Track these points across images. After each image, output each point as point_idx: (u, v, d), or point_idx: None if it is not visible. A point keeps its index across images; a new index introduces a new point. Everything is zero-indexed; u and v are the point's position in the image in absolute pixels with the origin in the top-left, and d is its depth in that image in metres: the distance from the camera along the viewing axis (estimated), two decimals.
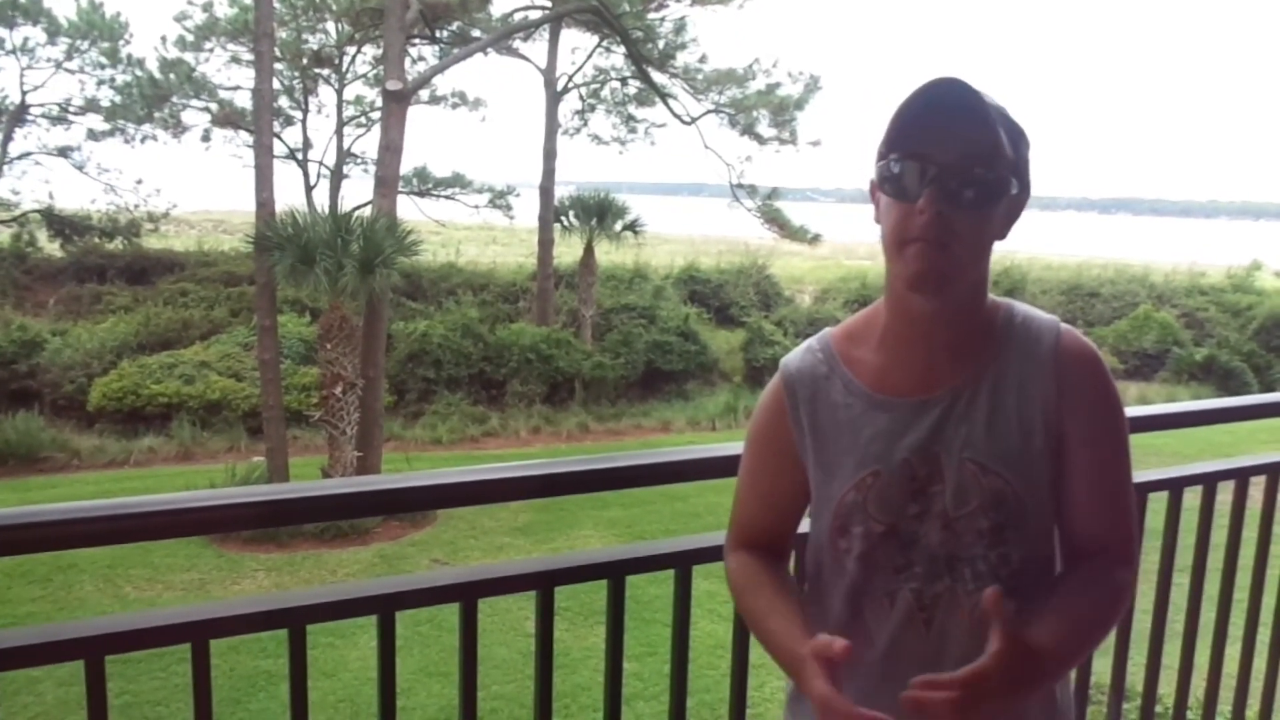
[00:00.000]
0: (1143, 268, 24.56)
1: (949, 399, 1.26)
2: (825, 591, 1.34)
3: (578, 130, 22.82)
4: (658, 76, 20.13)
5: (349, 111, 22.15)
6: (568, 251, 20.10)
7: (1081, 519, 1.28)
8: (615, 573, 1.60)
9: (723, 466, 1.65)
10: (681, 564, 1.65)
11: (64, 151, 20.27)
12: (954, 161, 1.17)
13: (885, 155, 1.22)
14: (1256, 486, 2.27)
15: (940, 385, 1.27)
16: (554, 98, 20.59)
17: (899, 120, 1.19)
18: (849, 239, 34.01)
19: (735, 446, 1.65)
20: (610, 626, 1.60)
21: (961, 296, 1.25)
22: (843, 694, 1.29)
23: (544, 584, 1.55)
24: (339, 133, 21.87)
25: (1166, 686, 2.31)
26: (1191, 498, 2.14)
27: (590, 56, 21.24)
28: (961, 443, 1.24)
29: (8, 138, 19.61)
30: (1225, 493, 2.20)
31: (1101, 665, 2.15)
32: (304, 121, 21.97)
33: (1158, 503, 2.09)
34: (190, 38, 20.13)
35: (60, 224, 20.12)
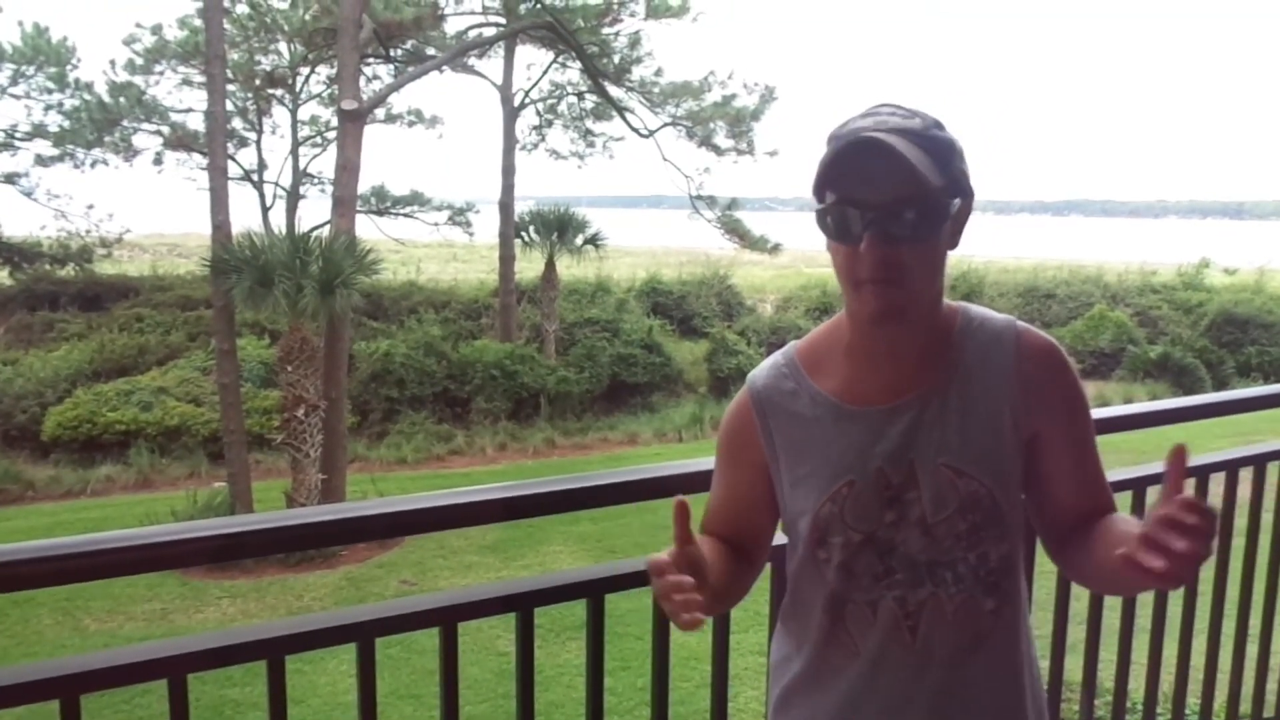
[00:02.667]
0: (1096, 268, 24.97)
1: (918, 405, 1.28)
2: (807, 601, 1.35)
3: (535, 145, 22.84)
4: (614, 90, 20.20)
5: (304, 132, 21.99)
6: (529, 267, 20.06)
7: (1074, 500, 1.33)
8: (594, 592, 1.60)
9: (683, 484, 1.66)
10: None
11: (11, 178, 19.88)
12: (886, 201, 1.18)
13: (820, 199, 1.24)
14: (1217, 483, 2.32)
15: (907, 392, 1.29)
16: (511, 114, 20.57)
17: (826, 169, 1.21)
18: (809, 247, 34.24)
19: (695, 463, 1.69)
20: (590, 646, 1.60)
21: (922, 311, 1.27)
22: (825, 700, 1.33)
23: (523, 606, 1.54)
24: (294, 153, 21.69)
25: (1135, 682, 2.34)
26: (1154, 496, 2.18)
27: (546, 72, 21.28)
28: (935, 448, 1.26)
29: None
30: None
31: (1073, 663, 2.18)
32: (258, 143, 21.79)
33: (1122, 503, 2.12)
34: (140, 61, 19.91)
35: (9, 252, 19.72)
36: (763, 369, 1.40)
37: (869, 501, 1.27)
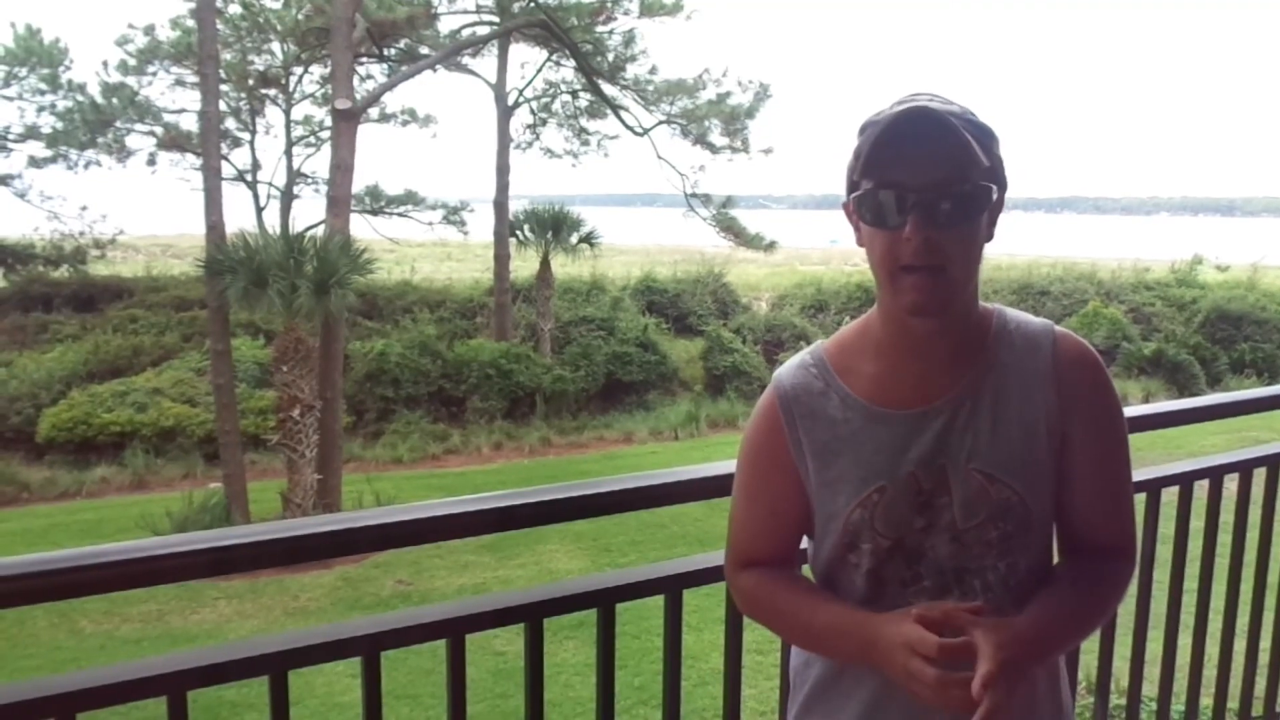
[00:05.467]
0: (1090, 265, 25.00)
1: (950, 410, 1.25)
2: None
3: (530, 144, 22.81)
4: (608, 89, 20.17)
5: (298, 131, 21.91)
6: (524, 266, 20.04)
7: (1085, 519, 1.30)
8: (605, 600, 1.58)
9: (675, 493, 1.65)
10: (672, 589, 1.63)
11: (4, 180, 19.78)
12: (933, 184, 1.15)
13: (860, 183, 1.20)
14: (1230, 481, 2.30)
15: (939, 396, 1.25)
16: (505, 112, 20.54)
17: (874, 149, 1.17)
18: (803, 244, 34.32)
19: (688, 471, 1.67)
20: (600, 655, 1.58)
21: (959, 309, 1.24)
22: (847, 706, 1.31)
23: (532, 616, 1.52)
24: (288, 153, 21.63)
25: (1149, 679, 2.32)
26: (1168, 496, 2.16)
27: (540, 70, 21.24)
28: (967, 453, 1.23)
29: None
30: (1200, 490, 2.23)
31: (1086, 660, 2.16)
32: (252, 143, 21.68)
33: (1137, 503, 2.10)
34: (133, 62, 19.81)
35: (2, 254, 19.66)
36: (789, 369, 1.35)
37: (900, 507, 1.24)
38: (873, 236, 1.20)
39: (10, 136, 19.55)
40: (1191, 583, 2.25)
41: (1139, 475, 2.10)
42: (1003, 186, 1.23)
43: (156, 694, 1.26)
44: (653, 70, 20.40)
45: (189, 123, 20.00)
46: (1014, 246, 31.50)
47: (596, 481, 1.63)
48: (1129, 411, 2.20)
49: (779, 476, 1.32)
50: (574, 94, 22.12)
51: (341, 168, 12.50)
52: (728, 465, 1.59)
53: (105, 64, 19.79)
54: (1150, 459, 2.36)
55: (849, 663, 1.29)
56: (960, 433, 1.24)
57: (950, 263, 1.17)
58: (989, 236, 1.24)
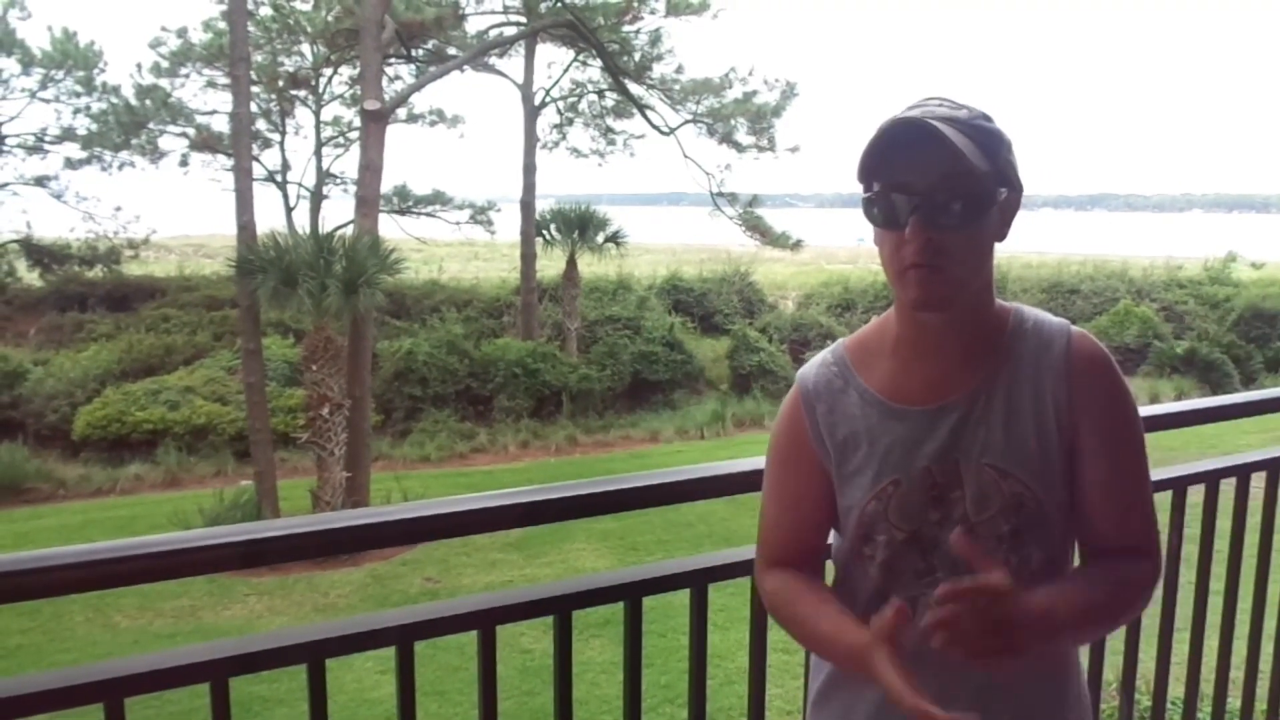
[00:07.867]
0: (1121, 263, 24.72)
1: (964, 405, 1.27)
2: (850, 596, 1.35)
3: (556, 144, 22.88)
4: (635, 88, 20.20)
5: (327, 132, 22.13)
6: (550, 265, 20.11)
7: (1102, 525, 1.30)
8: (632, 594, 1.60)
9: (703, 488, 1.66)
10: (697, 583, 1.65)
11: (41, 181, 20.12)
12: (932, 186, 1.18)
13: (865, 186, 1.24)
14: (1258, 480, 2.29)
15: (954, 391, 1.28)
16: (532, 112, 20.61)
17: (871, 154, 1.21)
18: (829, 243, 34.17)
19: (716, 467, 1.68)
20: (629, 648, 1.61)
21: (968, 305, 1.26)
22: (864, 694, 1.32)
23: (561, 609, 1.55)
24: (318, 154, 21.83)
25: (1175, 681, 2.31)
26: (1194, 495, 2.16)
27: (567, 70, 21.32)
28: (979, 448, 1.26)
29: None
30: (1227, 488, 2.22)
31: (1111, 661, 2.15)
32: (282, 143, 21.92)
33: (1162, 502, 2.10)
34: (165, 64, 20.08)
35: (39, 253, 20.00)
36: (812, 366, 1.39)
37: (914, 501, 1.27)
38: (881, 237, 1.25)
39: (47, 138, 19.88)
40: (1218, 583, 2.24)
41: (1163, 474, 2.09)
42: (1014, 188, 1.25)
43: (200, 680, 1.30)
44: (679, 69, 20.44)
45: (220, 124, 20.27)
46: (1044, 245, 31.23)
47: (621, 477, 1.64)
48: (1155, 410, 2.20)
49: (804, 473, 1.36)
50: (600, 93, 22.17)
51: (370, 168, 12.60)
52: (753, 461, 1.61)
53: (139, 66, 20.09)
54: (1183, 459, 2.35)
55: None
56: (974, 428, 1.26)
57: (951, 261, 1.20)
58: (1001, 236, 1.27)
